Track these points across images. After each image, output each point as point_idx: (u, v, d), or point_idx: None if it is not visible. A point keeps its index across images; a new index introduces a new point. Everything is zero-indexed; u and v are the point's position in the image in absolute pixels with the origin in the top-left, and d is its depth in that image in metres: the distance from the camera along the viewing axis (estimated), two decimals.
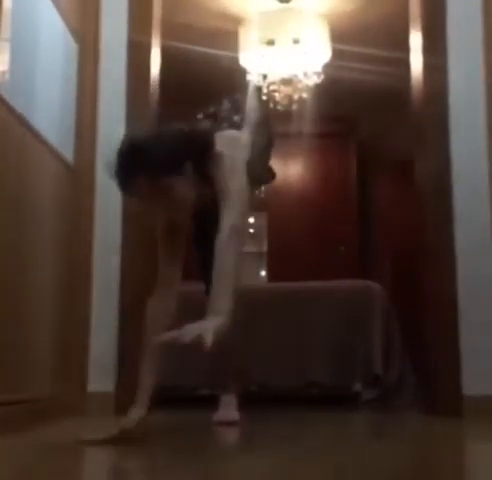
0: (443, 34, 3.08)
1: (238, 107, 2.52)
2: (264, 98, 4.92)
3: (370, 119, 6.21)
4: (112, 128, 3.15)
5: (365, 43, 4.99)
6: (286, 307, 3.80)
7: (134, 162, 1.99)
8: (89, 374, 2.98)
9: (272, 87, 5.04)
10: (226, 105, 2.52)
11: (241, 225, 2.10)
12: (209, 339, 1.72)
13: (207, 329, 1.76)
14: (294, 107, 5.19)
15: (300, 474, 1.53)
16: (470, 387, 2.85)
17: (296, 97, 5.07)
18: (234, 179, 2.10)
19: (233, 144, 2.22)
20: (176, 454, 1.69)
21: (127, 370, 2.99)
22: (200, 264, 2.53)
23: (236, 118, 2.43)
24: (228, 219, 2.04)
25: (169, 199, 2.05)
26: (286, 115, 5.26)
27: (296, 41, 4.74)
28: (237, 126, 2.38)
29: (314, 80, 4.98)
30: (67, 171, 2.89)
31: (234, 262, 1.99)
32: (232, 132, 2.33)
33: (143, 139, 2.07)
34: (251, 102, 2.62)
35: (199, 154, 2.09)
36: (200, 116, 2.50)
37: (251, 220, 6.29)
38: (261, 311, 3.72)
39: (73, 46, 2.97)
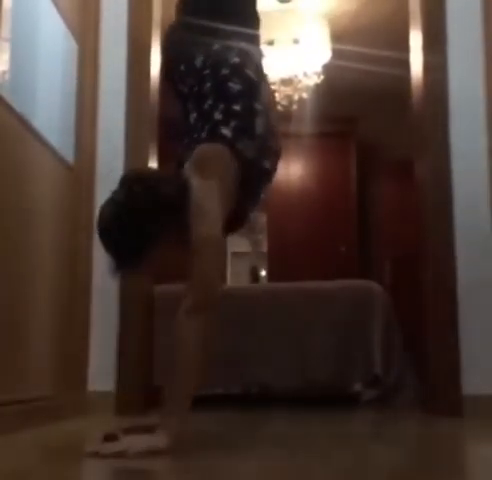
0: (443, 34, 3.08)
1: (223, 85, 1.94)
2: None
3: (370, 119, 6.21)
4: (112, 128, 3.15)
5: (365, 43, 4.99)
6: (286, 307, 3.80)
7: (110, 253, 1.76)
8: (89, 374, 2.98)
9: (272, 87, 5.04)
10: (207, 84, 1.97)
11: (208, 292, 1.76)
12: (132, 455, 1.62)
13: (136, 448, 1.64)
14: (294, 107, 5.19)
15: (300, 474, 1.53)
16: (470, 387, 2.85)
17: (296, 97, 5.07)
18: (201, 221, 1.76)
19: (203, 168, 1.83)
20: (175, 454, 1.69)
21: (127, 370, 2.99)
22: None
23: (217, 115, 1.91)
24: (191, 293, 1.74)
25: (166, 263, 1.83)
26: (286, 115, 5.26)
27: (296, 41, 4.75)
28: (218, 131, 1.88)
29: (314, 80, 4.99)
30: (67, 171, 2.89)
31: (193, 354, 1.72)
32: (204, 150, 1.88)
33: (108, 226, 1.76)
34: None
35: (178, 215, 1.77)
36: (183, 89, 2.07)
37: None
38: (261, 311, 3.72)
39: (73, 46, 2.97)
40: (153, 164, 3.23)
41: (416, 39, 3.20)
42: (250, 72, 1.97)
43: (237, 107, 1.91)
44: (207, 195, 1.80)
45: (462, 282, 2.93)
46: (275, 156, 2.04)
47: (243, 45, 2.04)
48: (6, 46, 2.24)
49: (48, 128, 2.64)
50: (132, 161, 3.12)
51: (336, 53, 4.94)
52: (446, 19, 3.09)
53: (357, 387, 3.62)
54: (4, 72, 2.22)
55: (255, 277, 5.97)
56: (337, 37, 4.90)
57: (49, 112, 2.68)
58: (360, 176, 6.22)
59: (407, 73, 3.32)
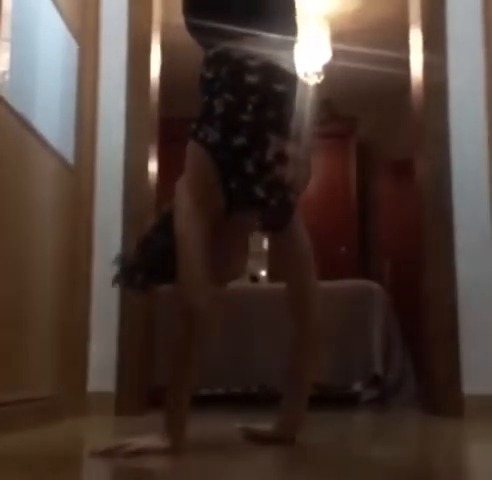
0: (443, 33, 3.08)
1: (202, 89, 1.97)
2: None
3: (370, 119, 6.21)
4: (112, 128, 3.15)
5: (365, 43, 4.98)
6: (286, 307, 3.80)
7: None
8: (89, 374, 2.98)
9: None
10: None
11: (180, 289, 1.79)
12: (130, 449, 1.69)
13: (133, 446, 1.71)
14: None
15: (300, 474, 1.53)
16: (470, 387, 2.85)
17: None
18: (175, 220, 1.85)
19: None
20: (175, 454, 1.69)
21: (127, 370, 2.99)
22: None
23: (193, 125, 1.93)
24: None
25: None
26: None
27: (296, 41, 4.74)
28: (194, 132, 1.92)
29: (314, 80, 4.98)
30: (67, 171, 2.89)
31: (171, 354, 1.79)
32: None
33: None
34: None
35: None
36: None
37: None
38: (261, 311, 3.72)
39: (73, 46, 2.97)
40: (153, 164, 3.23)
41: (416, 39, 3.20)
42: (208, 73, 1.94)
43: (205, 98, 1.93)
44: (177, 194, 1.87)
45: (462, 282, 2.93)
46: (253, 128, 1.89)
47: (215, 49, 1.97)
48: (6, 46, 2.25)
49: (48, 128, 2.64)
50: (132, 161, 3.12)
51: (336, 53, 4.94)
52: (446, 19, 3.09)
53: (357, 387, 3.62)
54: (4, 72, 2.22)
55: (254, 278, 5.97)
56: (337, 37, 4.89)
57: (49, 112, 2.68)
58: (360, 176, 6.22)
59: (407, 73, 3.32)
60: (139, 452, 1.68)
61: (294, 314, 2.06)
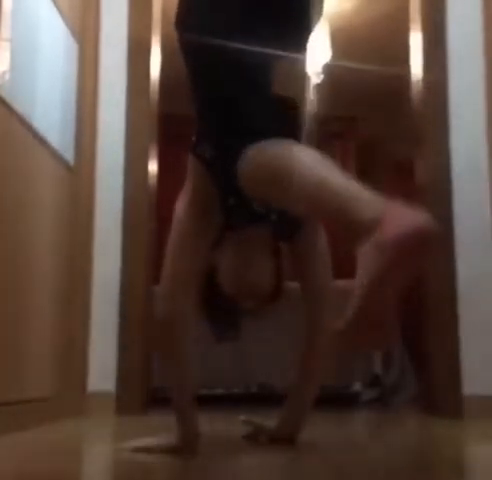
0: (443, 34, 3.08)
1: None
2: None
3: (370, 119, 6.21)
4: (112, 128, 3.15)
5: (365, 43, 4.98)
6: (286, 307, 3.80)
7: None
8: (89, 374, 2.98)
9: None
10: None
11: (161, 297, 1.80)
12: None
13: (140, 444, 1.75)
14: None
15: (300, 474, 1.53)
16: (470, 387, 2.85)
17: None
18: (172, 226, 1.85)
19: None
20: (175, 454, 1.69)
21: (127, 370, 2.99)
22: None
23: (193, 138, 1.90)
24: None
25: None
26: None
27: None
28: (193, 147, 1.88)
29: (314, 80, 4.98)
30: (67, 171, 2.89)
31: (165, 362, 1.84)
32: None
33: None
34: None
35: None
36: None
37: None
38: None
39: (73, 46, 2.96)
40: (153, 164, 3.23)
41: (416, 39, 3.20)
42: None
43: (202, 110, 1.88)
44: (178, 207, 1.86)
45: (462, 282, 2.93)
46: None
47: None
48: (6, 46, 2.24)
49: (48, 128, 2.64)
50: (132, 161, 3.12)
51: (336, 53, 4.94)
52: (446, 19, 3.09)
53: (357, 387, 3.62)
54: (4, 72, 2.22)
55: None
56: (337, 37, 4.89)
57: (49, 112, 2.68)
58: (360, 176, 6.21)
59: (407, 73, 3.32)
60: (148, 450, 1.70)
61: (309, 315, 2.07)
